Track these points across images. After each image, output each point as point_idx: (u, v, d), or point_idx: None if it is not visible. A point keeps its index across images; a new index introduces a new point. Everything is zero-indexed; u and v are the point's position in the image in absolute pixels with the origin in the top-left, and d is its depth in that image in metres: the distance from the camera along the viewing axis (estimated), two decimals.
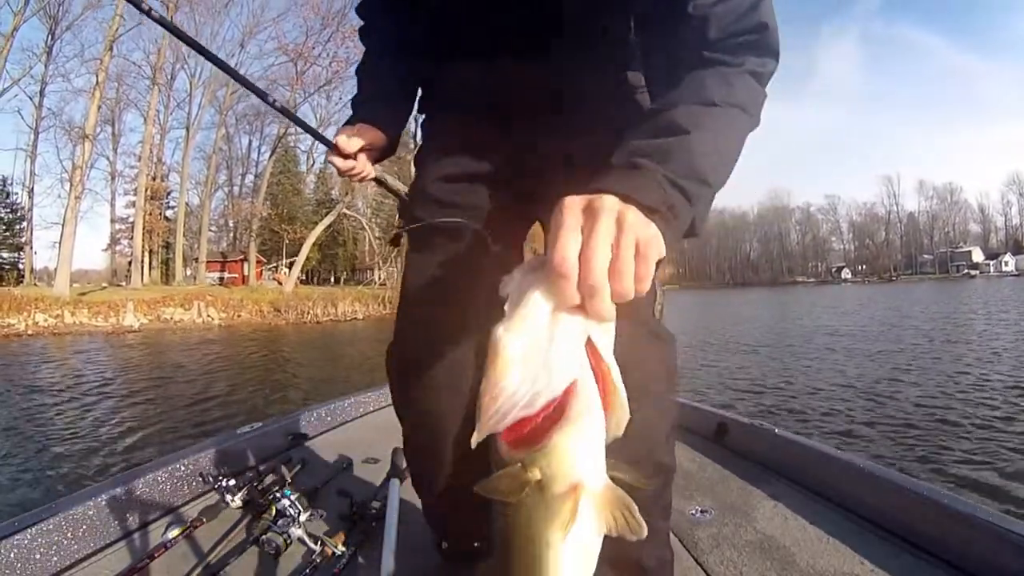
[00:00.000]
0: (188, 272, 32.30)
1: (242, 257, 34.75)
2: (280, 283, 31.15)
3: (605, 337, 0.39)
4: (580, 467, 0.37)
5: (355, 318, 22.84)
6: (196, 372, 8.86)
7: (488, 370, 0.37)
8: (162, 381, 7.97)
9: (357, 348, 12.67)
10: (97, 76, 21.80)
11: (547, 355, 0.36)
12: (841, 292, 42.07)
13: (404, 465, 1.35)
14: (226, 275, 34.56)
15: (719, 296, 44.30)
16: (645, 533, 0.36)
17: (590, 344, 0.38)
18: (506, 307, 0.39)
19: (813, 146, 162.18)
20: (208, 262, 32.83)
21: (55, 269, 26.62)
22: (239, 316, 20.87)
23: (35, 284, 25.58)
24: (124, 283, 29.08)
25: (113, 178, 32.33)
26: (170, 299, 20.34)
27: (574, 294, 0.37)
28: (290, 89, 29.56)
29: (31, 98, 25.99)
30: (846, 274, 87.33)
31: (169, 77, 29.75)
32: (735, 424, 1.68)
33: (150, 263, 31.31)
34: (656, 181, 0.45)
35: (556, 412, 0.37)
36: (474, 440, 0.37)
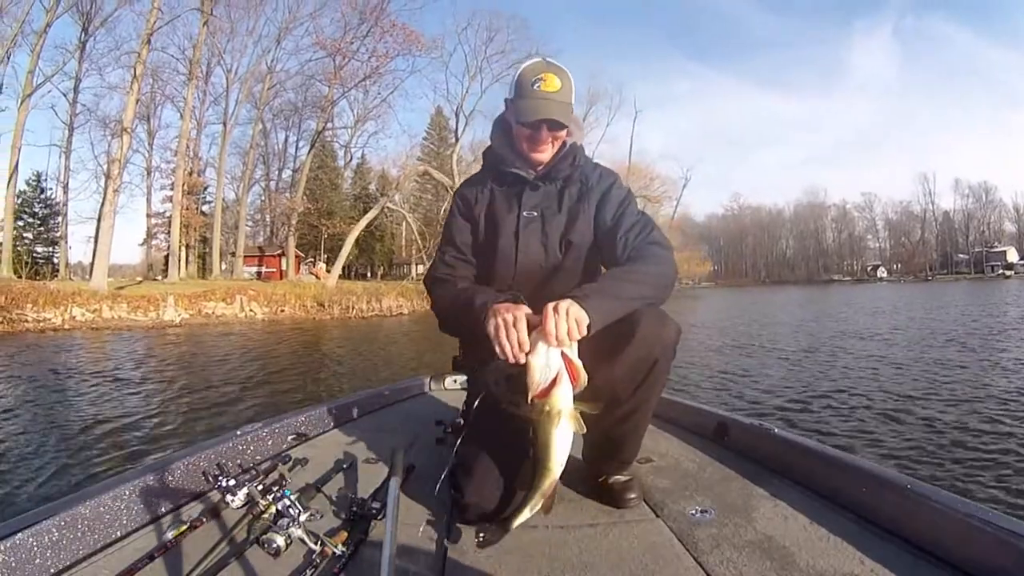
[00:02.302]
0: (224, 266, 32.10)
1: (280, 251, 34.61)
2: (318, 277, 31.10)
3: (571, 349, 1.04)
4: (563, 403, 1.03)
5: (401, 313, 22.56)
6: (253, 371, 8.69)
7: (528, 371, 1.03)
8: (223, 380, 7.82)
9: (414, 347, 12.28)
10: (135, 69, 21.61)
11: (548, 363, 1.03)
12: (878, 292, 40.96)
13: (404, 465, 1.36)
14: (264, 269, 34.45)
15: (754, 295, 43.05)
16: (585, 430, 1.06)
17: (564, 354, 1.03)
18: (528, 345, 1.04)
19: (849, 142, 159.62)
20: (245, 256, 32.70)
21: (90, 263, 26.69)
22: (282, 311, 20.67)
23: (70, 278, 25.44)
24: (160, 277, 29.00)
25: (149, 173, 32.51)
26: (211, 293, 20.07)
27: (554, 341, 1.01)
28: (328, 85, 29.42)
29: (64, 95, 26.42)
30: (882, 273, 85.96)
31: (205, 72, 29.63)
32: (735, 424, 1.68)
33: (187, 257, 31.22)
34: (582, 296, 1.06)
35: (552, 384, 1.03)
36: (529, 397, 1.03)
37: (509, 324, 1.06)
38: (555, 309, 1.02)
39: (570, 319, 1.01)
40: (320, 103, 30.79)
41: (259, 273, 33.46)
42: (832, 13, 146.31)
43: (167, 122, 34.14)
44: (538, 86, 1.27)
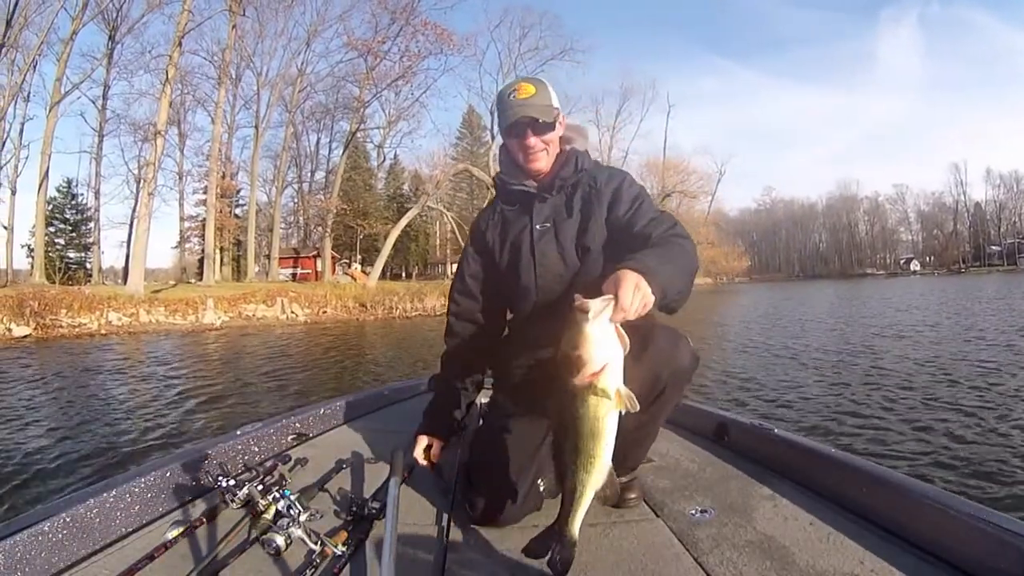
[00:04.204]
0: (257, 268, 32.02)
1: (315, 253, 34.50)
2: (354, 278, 30.96)
3: (622, 326, 0.93)
4: (616, 381, 0.91)
5: (445, 312, 22.29)
6: (316, 374, 8.46)
7: (582, 344, 0.89)
8: (285, 383, 7.58)
9: None
10: (167, 72, 21.56)
11: (606, 338, 0.90)
12: (912, 285, 39.29)
13: (404, 465, 1.36)
14: (299, 271, 34.38)
15: (788, 290, 41.40)
16: (638, 407, 0.91)
17: (616, 327, 0.92)
18: (590, 313, 0.89)
19: (880, 134, 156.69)
20: (280, 258, 32.55)
21: (123, 268, 26.59)
22: (324, 312, 20.34)
23: (103, 283, 25.40)
24: (193, 280, 29.01)
25: (181, 177, 32.53)
26: (251, 295, 19.77)
27: (621, 315, 0.92)
28: (359, 86, 29.15)
29: (93, 101, 26.55)
30: (915, 266, 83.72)
31: (235, 76, 29.55)
32: (735, 424, 1.69)
33: (221, 260, 31.20)
34: (647, 271, 0.98)
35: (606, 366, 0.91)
36: (576, 382, 0.90)
37: (422, 450, 1.41)
38: (636, 286, 0.94)
39: (644, 299, 0.94)
40: (351, 104, 30.69)
41: (294, 275, 33.45)
42: (857, 3, 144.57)
43: (198, 126, 34.37)
44: (513, 96, 1.32)
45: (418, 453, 1.41)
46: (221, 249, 31.03)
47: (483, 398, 1.60)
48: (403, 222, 28.78)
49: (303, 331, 16.18)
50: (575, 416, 0.90)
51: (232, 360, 9.97)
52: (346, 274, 34.33)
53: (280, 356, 10.42)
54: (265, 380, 7.65)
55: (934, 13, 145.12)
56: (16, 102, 23.49)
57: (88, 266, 30.04)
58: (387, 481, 1.25)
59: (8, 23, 20.48)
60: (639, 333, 1.13)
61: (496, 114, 1.37)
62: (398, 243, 32.53)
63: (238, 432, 1.63)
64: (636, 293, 0.93)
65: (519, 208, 1.41)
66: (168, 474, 1.30)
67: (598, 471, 0.92)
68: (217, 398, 6.36)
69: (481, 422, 1.56)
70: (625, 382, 1.02)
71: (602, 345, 0.89)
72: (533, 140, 1.32)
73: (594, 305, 0.89)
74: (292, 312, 19.83)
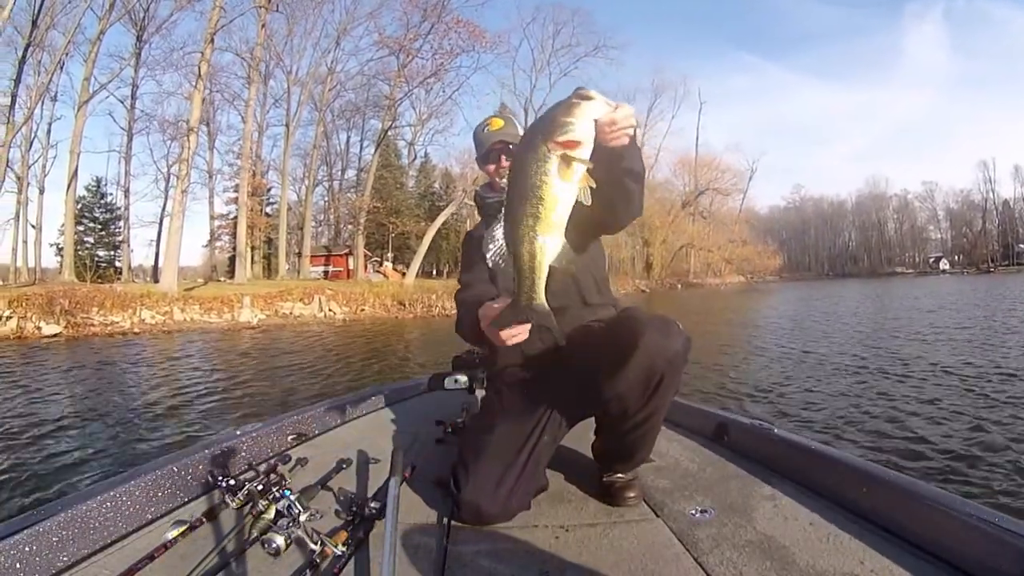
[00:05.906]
0: (287, 266, 31.94)
1: (347, 251, 34.36)
2: (386, 276, 31.08)
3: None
4: (583, 161, 0.92)
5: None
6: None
7: (576, 110, 0.92)
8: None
9: None
10: (199, 68, 21.43)
11: (592, 123, 0.94)
12: (941, 285, 38.09)
13: (404, 465, 1.36)
14: (330, 269, 34.15)
15: (817, 289, 39.82)
16: (590, 203, 0.94)
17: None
18: (596, 101, 0.94)
19: (908, 130, 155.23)
20: (312, 256, 32.47)
21: (152, 266, 26.59)
22: (362, 310, 20.11)
23: (133, 281, 25.42)
24: (224, 278, 29.03)
25: (211, 175, 32.53)
26: (287, 293, 19.50)
27: (611, 120, 0.96)
28: (390, 84, 28.94)
29: (122, 101, 26.81)
30: (944, 264, 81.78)
31: (264, 75, 29.53)
32: (735, 424, 1.69)
33: (252, 258, 31.05)
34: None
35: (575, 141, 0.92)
36: (551, 145, 0.91)
37: (488, 317, 1.15)
38: (632, 116, 1.02)
39: (629, 130, 1.01)
40: (382, 103, 30.49)
41: (326, 273, 33.18)
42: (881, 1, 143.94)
43: (228, 124, 34.11)
44: (486, 129, 1.54)
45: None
46: (252, 247, 30.85)
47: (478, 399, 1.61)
48: (440, 219, 28.43)
49: (343, 329, 15.96)
50: (542, 179, 0.92)
51: (277, 358, 9.83)
52: (378, 272, 34.29)
53: (327, 353, 10.31)
54: (321, 378, 7.56)
55: (959, 8, 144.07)
56: (43, 102, 23.63)
57: (118, 264, 30.11)
58: (387, 481, 1.25)
59: (34, 23, 20.49)
60: (628, 326, 1.17)
61: (475, 149, 1.58)
62: (431, 241, 33.03)
63: (238, 432, 1.63)
64: (630, 119, 1.00)
65: (492, 216, 1.56)
66: (168, 474, 1.30)
67: (555, 237, 0.94)
68: (274, 396, 6.30)
69: (462, 421, 1.62)
70: (622, 380, 1.10)
71: (589, 126, 0.94)
72: (504, 161, 1.51)
73: (599, 95, 0.95)
74: (330, 310, 19.57)
